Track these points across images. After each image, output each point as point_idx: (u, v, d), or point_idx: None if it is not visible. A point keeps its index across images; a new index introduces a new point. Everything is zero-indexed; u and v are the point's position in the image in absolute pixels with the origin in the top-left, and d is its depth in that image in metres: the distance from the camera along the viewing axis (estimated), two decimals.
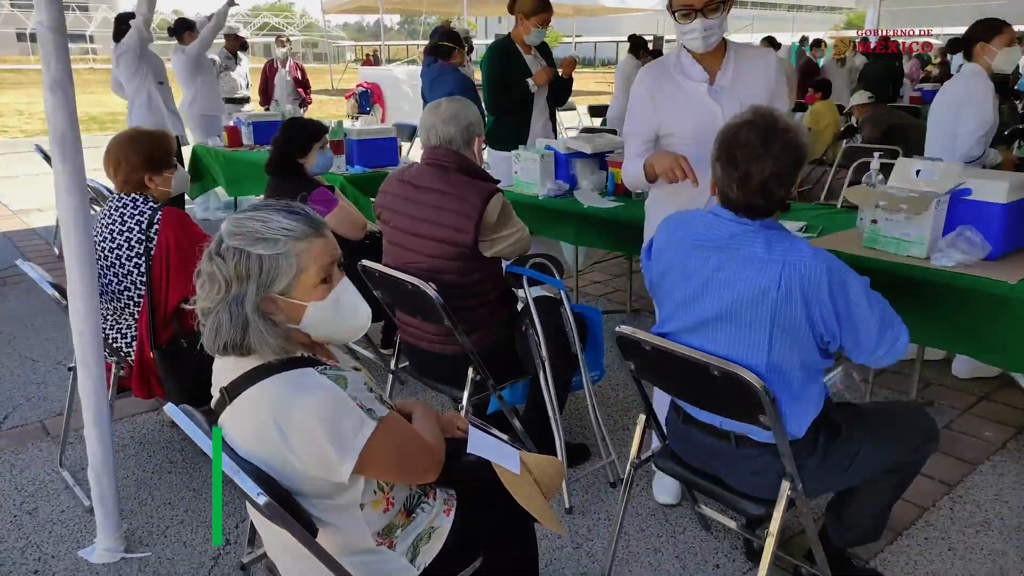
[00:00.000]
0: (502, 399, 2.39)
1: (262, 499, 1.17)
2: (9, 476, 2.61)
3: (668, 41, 14.51)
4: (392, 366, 2.57)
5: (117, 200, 2.38)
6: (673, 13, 2.08)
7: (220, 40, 7.02)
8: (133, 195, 2.37)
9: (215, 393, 1.30)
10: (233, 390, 1.24)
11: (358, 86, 12.38)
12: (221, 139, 5.81)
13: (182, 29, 6.17)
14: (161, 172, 2.40)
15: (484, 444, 1.50)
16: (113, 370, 2.38)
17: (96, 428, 2.08)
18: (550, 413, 2.37)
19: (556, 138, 4.11)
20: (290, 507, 1.22)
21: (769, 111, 1.62)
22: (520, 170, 3.77)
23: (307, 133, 3.04)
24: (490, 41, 4.27)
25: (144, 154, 2.37)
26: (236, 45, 7.45)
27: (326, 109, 16.19)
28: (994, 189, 2.34)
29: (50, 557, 2.20)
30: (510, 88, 3.96)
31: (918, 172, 2.46)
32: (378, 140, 4.70)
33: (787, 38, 16.10)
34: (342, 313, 1.32)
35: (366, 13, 18.95)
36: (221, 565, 2.16)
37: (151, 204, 2.37)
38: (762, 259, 1.55)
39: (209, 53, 6.51)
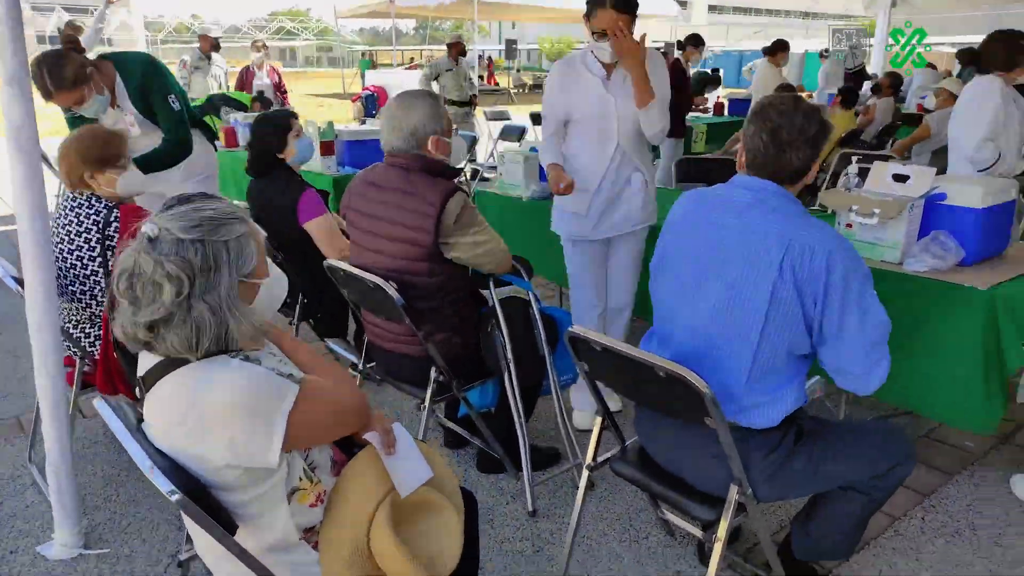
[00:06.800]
0: (466, 400, 2.37)
1: (175, 497, 1.15)
2: None
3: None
4: (361, 366, 2.55)
5: (71, 200, 2.32)
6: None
7: (196, 43, 6.95)
8: (87, 194, 2.30)
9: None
10: (148, 380, 1.22)
11: (364, 89, 12.43)
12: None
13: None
14: (104, 170, 2.31)
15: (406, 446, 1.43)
16: (78, 365, 2.37)
17: (54, 422, 2.08)
18: (514, 416, 2.34)
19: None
20: (207, 503, 1.20)
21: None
22: (504, 171, 3.76)
23: (278, 125, 2.89)
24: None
25: (86, 151, 2.29)
26: (209, 46, 7.39)
27: (335, 113, 16.26)
28: (969, 194, 2.30)
29: (9, 552, 2.20)
30: None
31: (894, 176, 2.42)
32: (369, 141, 4.70)
33: (800, 45, 16.01)
34: (278, 283, 1.35)
35: (378, 18, 19.01)
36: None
37: (106, 204, 2.30)
38: (770, 232, 1.58)
39: (184, 55, 6.42)
